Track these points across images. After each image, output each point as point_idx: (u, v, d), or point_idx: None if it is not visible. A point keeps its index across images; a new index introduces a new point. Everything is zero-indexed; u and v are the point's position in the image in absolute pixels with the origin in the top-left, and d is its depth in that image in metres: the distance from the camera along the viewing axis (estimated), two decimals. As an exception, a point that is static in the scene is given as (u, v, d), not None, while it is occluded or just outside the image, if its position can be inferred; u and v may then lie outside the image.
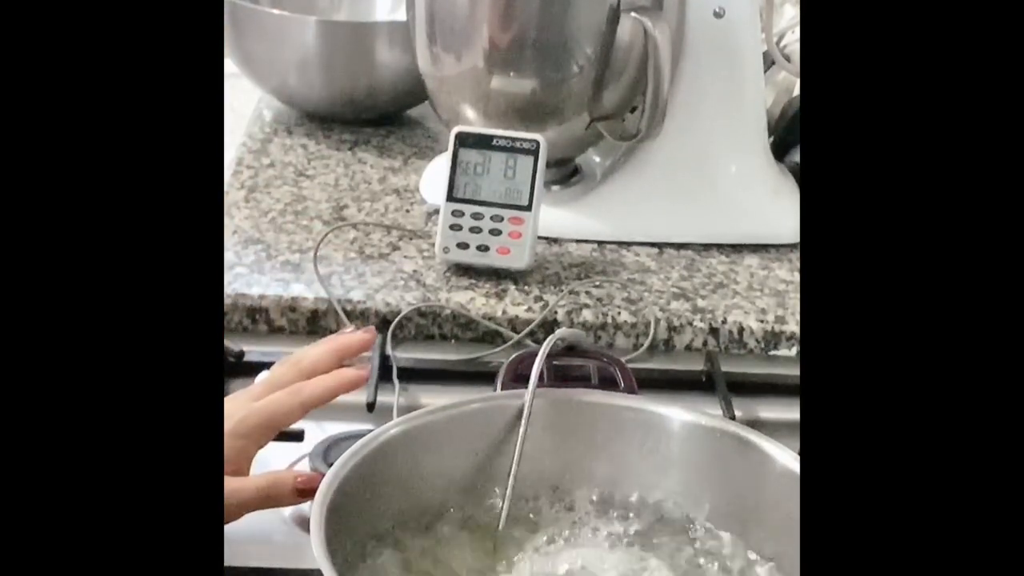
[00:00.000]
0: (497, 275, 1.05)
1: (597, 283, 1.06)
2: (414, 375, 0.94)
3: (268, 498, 0.71)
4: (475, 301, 1.02)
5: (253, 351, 0.94)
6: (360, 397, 0.89)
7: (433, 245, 1.07)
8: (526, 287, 1.05)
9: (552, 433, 0.74)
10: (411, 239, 1.11)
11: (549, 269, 1.08)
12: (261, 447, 0.73)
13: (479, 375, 0.94)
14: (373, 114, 1.36)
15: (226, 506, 0.70)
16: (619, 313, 1.02)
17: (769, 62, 1.19)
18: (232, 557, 0.73)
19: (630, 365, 0.91)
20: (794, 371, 0.93)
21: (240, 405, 0.73)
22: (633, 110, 1.13)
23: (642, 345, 1.01)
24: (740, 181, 1.15)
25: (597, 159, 1.21)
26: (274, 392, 0.74)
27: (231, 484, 0.70)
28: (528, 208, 1.04)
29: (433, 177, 1.18)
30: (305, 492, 0.70)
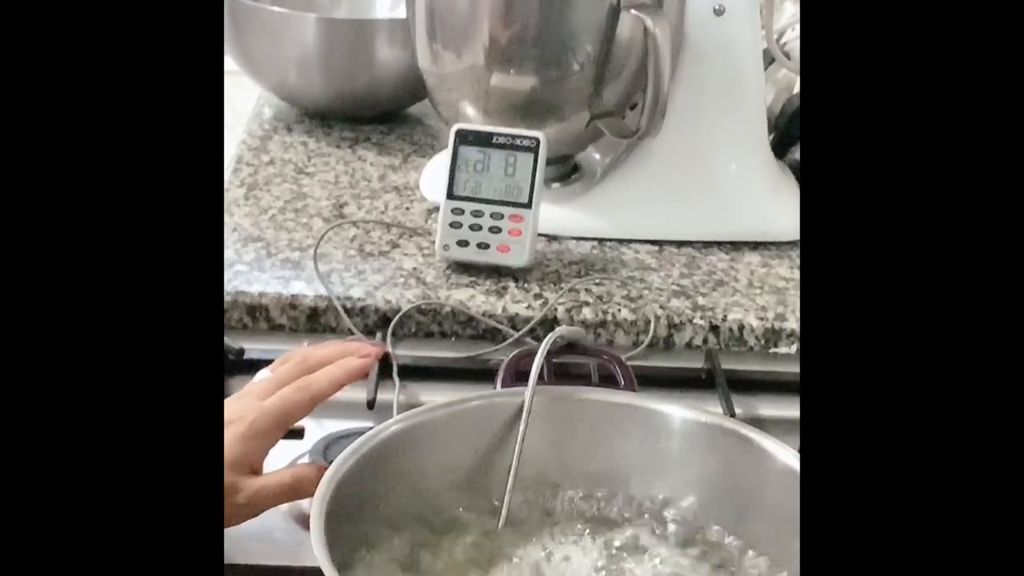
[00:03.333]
0: (497, 273, 1.05)
1: (597, 281, 1.06)
2: (414, 373, 0.94)
3: (294, 492, 0.72)
4: (475, 299, 1.02)
5: (253, 349, 0.94)
6: (360, 395, 0.89)
7: (433, 243, 1.07)
8: (526, 285, 1.04)
9: (552, 431, 0.74)
10: (411, 237, 1.11)
11: (549, 267, 1.08)
12: (273, 445, 0.74)
13: (479, 373, 0.94)
14: (373, 111, 1.36)
15: (252, 505, 0.71)
16: (619, 311, 1.02)
17: (769, 59, 1.19)
18: (232, 554, 0.73)
19: (630, 363, 0.91)
20: (794, 368, 0.94)
21: (249, 406, 0.73)
22: (633, 107, 1.13)
23: (642, 343, 1.01)
24: (740, 178, 1.15)
25: (597, 156, 1.21)
26: (280, 389, 0.74)
27: (255, 483, 0.71)
28: (528, 205, 1.04)
29: (433, 175, 1.18)
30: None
